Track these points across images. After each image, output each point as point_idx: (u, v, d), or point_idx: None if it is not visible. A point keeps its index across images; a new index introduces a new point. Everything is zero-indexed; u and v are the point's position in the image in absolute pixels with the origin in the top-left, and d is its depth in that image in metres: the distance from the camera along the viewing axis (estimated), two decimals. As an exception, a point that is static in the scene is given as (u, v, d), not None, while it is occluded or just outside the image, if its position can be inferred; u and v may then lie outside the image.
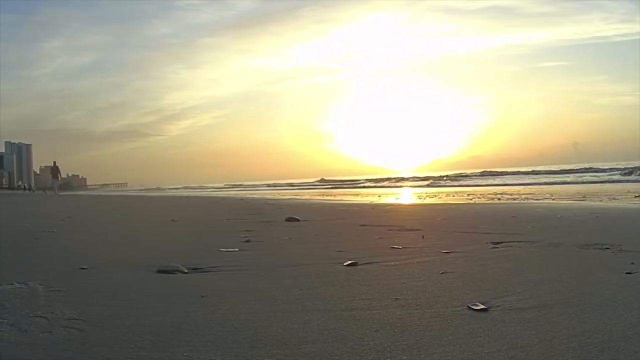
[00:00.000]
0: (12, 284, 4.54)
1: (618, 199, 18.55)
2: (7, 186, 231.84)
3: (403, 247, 6.39)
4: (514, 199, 21.16)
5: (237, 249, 6.68)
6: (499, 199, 21.02)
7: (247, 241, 7.52)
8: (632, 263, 4.97)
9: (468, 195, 28.27)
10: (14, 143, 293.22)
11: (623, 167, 56.56)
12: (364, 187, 62.09)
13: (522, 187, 39.99)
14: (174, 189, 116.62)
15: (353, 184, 77.86)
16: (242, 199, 30.87)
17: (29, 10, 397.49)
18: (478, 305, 3.49)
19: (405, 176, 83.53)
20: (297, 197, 34.99)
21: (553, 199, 20.33)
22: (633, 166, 54.10)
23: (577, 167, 63.35)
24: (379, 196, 29.81)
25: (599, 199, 18.87)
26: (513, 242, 6.67)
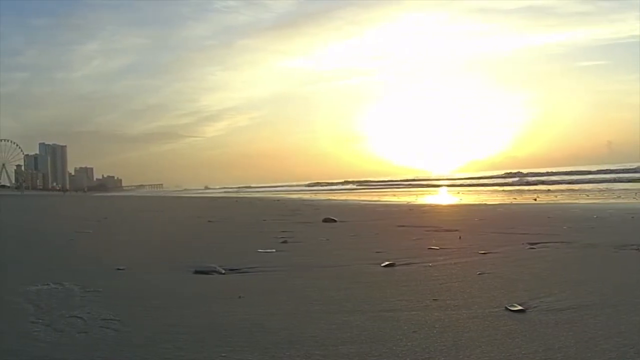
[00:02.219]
0: (47, 284, 4.62)
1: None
2: (41, 187, 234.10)
3: (440, 248, 6.39)
4: (550, 200, 20.96)
5: (274, 250, 6.73)
6: (535, 200, 20.82)
7: (284, 242, 7.55)
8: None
9: (504, 195, 28.05)
10: (48, 144, 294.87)
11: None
12: (400, 188, 61.67)
13: (557, 187, 39.54)
14: (209, 189, 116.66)
15: (389, 185, 77.43)
16: (278, 200, 30.88)
17: (63, 14, 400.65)
18: (515, 307, 3.49)
19: (442, 177, 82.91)
20: (334, 197, 34.87)
21: (588, 199, 20.15)
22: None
23: (614, 167, 62.39)
24: (416, 197, 29.66)
25: (635, 199, 18.64)
26: (549, 242, 6.63)
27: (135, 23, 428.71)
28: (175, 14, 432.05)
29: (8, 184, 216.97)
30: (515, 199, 22.86)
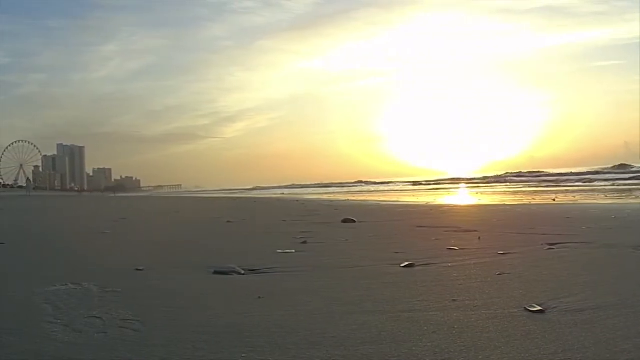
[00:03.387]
0: (66, 284, 4.66)
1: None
2: (59, 188, 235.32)
3: (460, 249, 6.39)
4: (568, 200, 20.87)
5: (293, 251, 6.74)
6: (554, 200, 20.74)
7: (304, 242, 7.57)
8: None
9: (522, 196, 27.95)
10: (66, 145, 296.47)
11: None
12: (419, 188, 61.54)
13: (575, 187, 39.35)
14: (227, 190, 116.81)
15: (407, 185, 77.26)
16: (297, 200, 30.85)
17: (80, 15, 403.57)
18: (535, 307, 3.50)
19: (460, 177, 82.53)
20: (352, 198, 34.83)
21: (606, 199, 20.05)
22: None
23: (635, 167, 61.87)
24: (435, 197, 29.60)
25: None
26: (568, 243, 6.61)
27: (152, 24, 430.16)
28: (192, 15, 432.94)
29: (25, 185, 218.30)
30: (533, 199, 22.74)
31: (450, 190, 48.93)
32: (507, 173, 74.34)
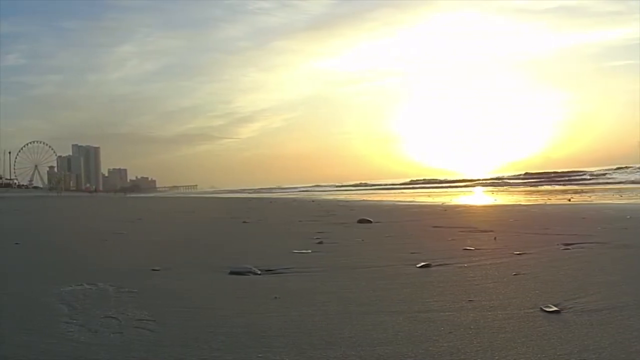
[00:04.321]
0: (81, 284, 4.69)
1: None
2: (74, 188, 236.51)
3: (475, 249, 6.39)
4: (583, 200, 20.79)
5: (309, 251, 6.76)
6: (569, 200, 20.67)
7: (320, 243, 7.58)
8: None
9: (538, 196, 27.86)
10: (81, 146, 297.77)
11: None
12: (434, 188, 61.40)
13: (589, 187, 39.17)
14: (245, 190, 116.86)
15: (422, 185, 77.10)
16: (313, 201, 30.84)
17: (96, 17, 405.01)
18: (550, 307, 3.51)
19: (476, 178, 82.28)
20: (368, 198, 34.79)
21: (621, 200, 19.96)
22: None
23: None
24: (450, 198, 29.53)
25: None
26: (584, 243, 6.60)
27: (168, 25, 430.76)
28: (208, 16, 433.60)
29: (41, 185, 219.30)
30: (549, 199, 22.69)
31: (466, 190, 48.87)
32: (526, 173, 74.00)
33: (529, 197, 26.43)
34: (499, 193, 36.37)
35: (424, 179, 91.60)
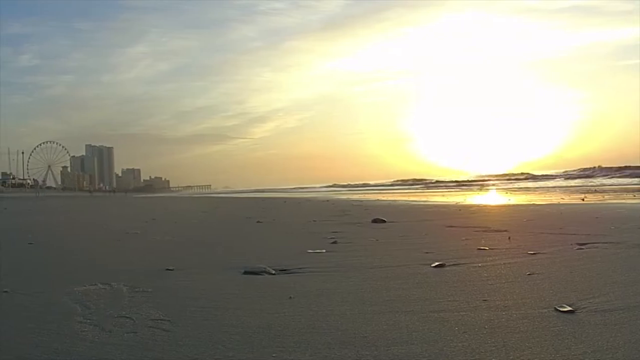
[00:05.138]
0: (95, 284, 4.72)
1: None
2: (87, 188, 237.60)
3: (490, 249, 6.39)
4: (597, 200, 20.72)
5: (324, 251, 6.77)
6: (582, 200, 20.59)
7: (334, 242, 7.59)
8: None
9: (551, 195, 27.78)
10: (94, 146, 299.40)
11: None
12: (448, 188, 61.23)
13: (603, 187, 39.00)
14: (258, 190, 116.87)
15: (437, 185, 76.96)
16: (327, 200, 30.82)
17: (109, 17, 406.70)
18: (564, 307, 3.52)
19: (489, 177, 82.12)
20: (382, 198, 34.73)
21: (635, 199, 19.88)
22: None
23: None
24: (464, 197, 29.48)
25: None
26: (598, 243, 6.59)
27: (181, 26, 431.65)
28: (222, 16, 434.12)
29: (54, 185, 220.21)
30: (562, 198, 22.63)
31: (479, 190, 48.71)
32: (543, 174, 73.81)
33: (542, 197, 26.36)
34: (513, 193, 36.25)
35: (436, 180, 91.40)
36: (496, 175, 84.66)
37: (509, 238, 7.36)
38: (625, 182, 45.70)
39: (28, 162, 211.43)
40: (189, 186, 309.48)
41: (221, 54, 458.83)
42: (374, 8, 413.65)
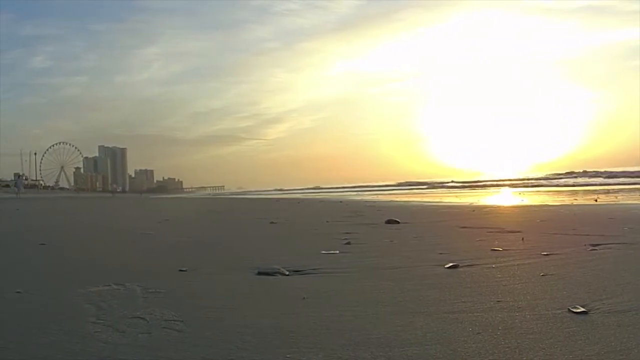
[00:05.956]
0: (109, 285, 4.74)
1: None
2: (101, 189, 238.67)
3: (503, 250, 6.40)
4: (610, 200, 20.64)
5: (337, 251, 6.77)
6: (596, 201, 20.53)
7: (348, 243, 7.60)
8: None
9: (565, 196, 27.69)
10: (107, 147, 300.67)
11: None
12: (462, 189, 61.07)
13: (616, 187, 38.84)
14: (272, 191, 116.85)
15: (451, 186, 76.72)
16: (340, 201, 30.82)
17: (123, 19, 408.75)
18: (578, 308, 3.52)
19: (503, 178, 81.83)
20: (395, 199, 34.69)
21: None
22: None
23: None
24: (478, 198, 29.42)
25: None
26: (611, 244, 6.58)
27: (195, 27, 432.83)
28: (236, 17, 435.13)
29: (67, 186, 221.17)
30: (576, 199, 22.55)
31: (494, 191, 48.57)
32: (555, 174, 73.52)
33: (555, 198, 26.29)
34: (526, 194, 36.15)
35: (451, 180, 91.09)
36: (510, 177, 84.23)
37: (523, 239, 7.36)
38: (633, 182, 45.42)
39: (41, 163, 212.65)
40: (203, 187, 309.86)
41: (235, 55, 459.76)
42: (387, 9, 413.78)
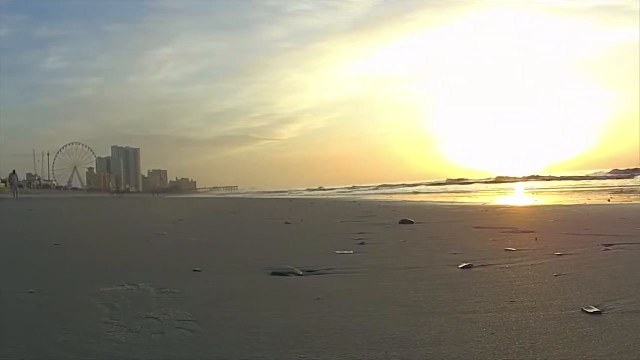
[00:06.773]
0: (122, 285, 4.76)
1: None
2: (114, 190, 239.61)
3: (517, 250, 6.40)
4: (623, 200, 20.56)
5: (352, 252, 6.79)
6: (609, 201, 20.45)
7: (362, 244, 7.62)
8: None
9: (578, 196, 27.59)
10: (121, 147, 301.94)
11: None
12: (475, 189, 60.89)
13: (627, 187, 38.68)
14: (286, 191, 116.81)
15: (464, 186, 76.53)
16: (354, 202, 30.80)
17: (136, 20, 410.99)
18: (592, 309, 3.53)
19: (516, 178, 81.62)
20: (409, 199, 34.65)
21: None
22: None
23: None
24: (491, 198, 29.36)
25: None
26: (624, 244, 6.57)
27: (209, 28, 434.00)
28: (249, 18, 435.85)
29: (80, 187, 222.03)
30: (589, 199, 22.49)
31: (507, 191, 48.41)
32: (571, 175, 73.26)
33: (568, 198, 26.20)
34: (540, 194, 36.01)
35: (465, 180, 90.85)
36: (524, 176, 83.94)
37: (536, 239, 7.36)
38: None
39: (54, 163, 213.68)
40: (216, 187, 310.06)
41: (249, 56, 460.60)
42: (401, 9, 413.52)
